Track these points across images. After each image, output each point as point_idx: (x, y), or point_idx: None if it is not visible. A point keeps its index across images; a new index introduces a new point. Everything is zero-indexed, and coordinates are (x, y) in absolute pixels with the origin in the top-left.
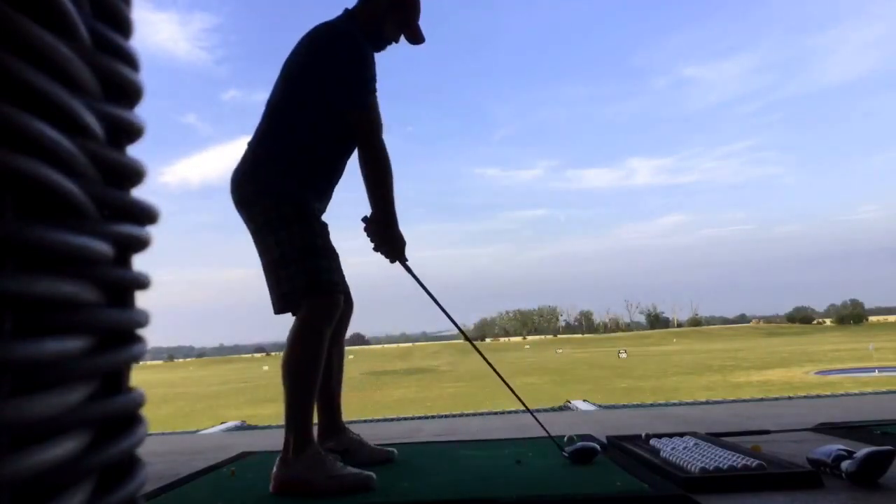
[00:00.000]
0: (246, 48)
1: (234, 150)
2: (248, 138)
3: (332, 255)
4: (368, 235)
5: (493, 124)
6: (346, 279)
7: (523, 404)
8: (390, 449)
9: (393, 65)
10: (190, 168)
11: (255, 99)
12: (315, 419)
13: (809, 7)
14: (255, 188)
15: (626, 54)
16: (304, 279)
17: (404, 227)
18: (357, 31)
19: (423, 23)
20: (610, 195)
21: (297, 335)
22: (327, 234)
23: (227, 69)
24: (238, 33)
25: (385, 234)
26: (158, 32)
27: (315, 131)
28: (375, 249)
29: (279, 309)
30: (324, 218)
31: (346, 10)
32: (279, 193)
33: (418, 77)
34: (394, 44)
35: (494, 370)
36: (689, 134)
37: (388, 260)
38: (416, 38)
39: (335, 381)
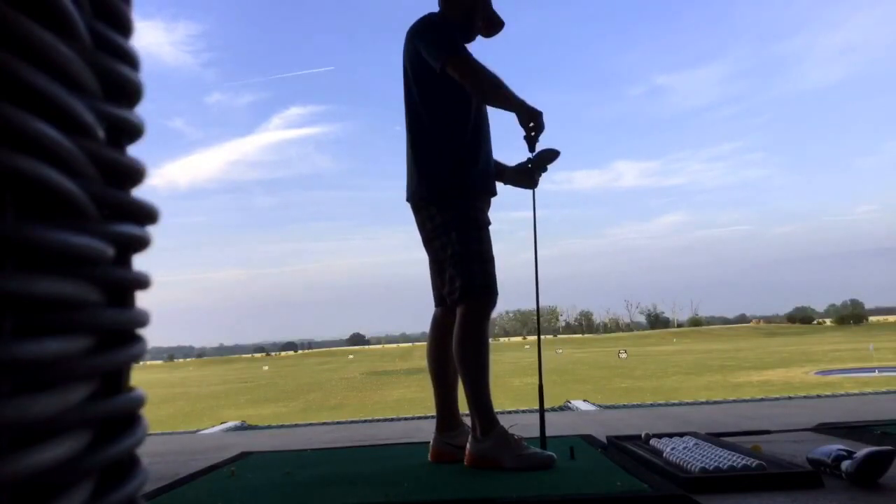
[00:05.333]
0: (231, 52)
1: (220, 153)
2: (236, 141)
3: (490, 260)
4: (531, 138)
5: None
6: (332, 279)
7: None
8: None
9: (378, 71)
10: (177, 170)
11: (241, 102)
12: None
13: (773, 16)
14: (420, 195)
15: (597, 65)
16: (462, 282)
17: (399, 228)
18: (439, 17)
19: (398, 31)
20: (603, 196)
21: (461, 333)
22: (487, 238)
23: (212, 72)
24: (223, 38)
25: (528, 119)
26: (143, 37)
27: (447, 109)
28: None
29: (440, 304)
30: (321, 216)
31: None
32: (445, 197)
33: (397, 79)
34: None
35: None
36: (673, 138)
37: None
38: (495, 23)
39: (452, 378)
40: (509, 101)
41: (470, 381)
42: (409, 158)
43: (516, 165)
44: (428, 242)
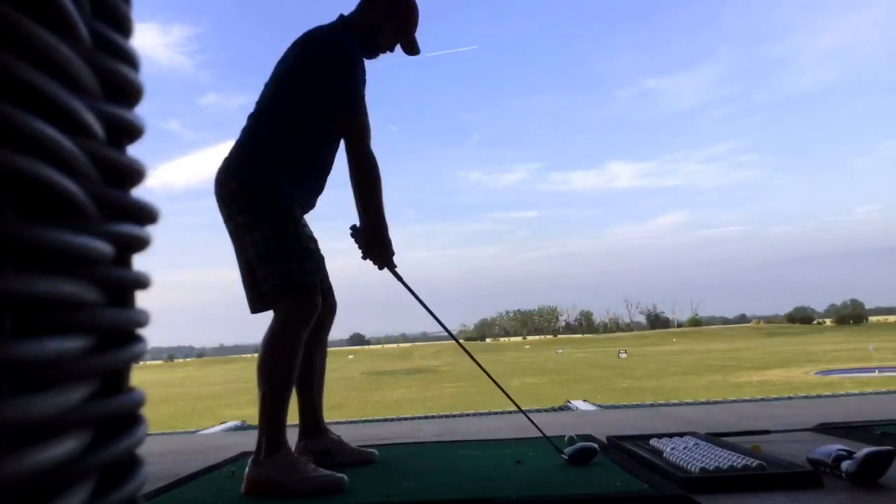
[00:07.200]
0: (225, 53)
1: (216, 154)
2: (230, 141)
3: (310, 257)
4: (358, 244)
5: (467, 129)
6: (332, 280)
7: (517, 406)
8: (371, 450)
9: (373, 70)
10: (173, 172)
11: (235, 103)
12: (294, 420)
13: (761, 20)
14: (237, 186)
15: (586, 67)
16: (281, 280)
17: (397, 228)
18: (349, 39)
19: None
20: (600, 197)
21: (273, 337)
22: (307, 235)
23: (207, 74)
24: (218, 40)
25: (375, 242)
26: (138, 39)
27: (301, 135)
28: (364, 258)
29: (256, 308)
30: (319, 217)
31: (341, 17)
32: (259, 192)
33: (392, 80)
34: (389, 52)
35: (486, 372)
36: (666, 140)
37: (377, 268)
38: (413, 49)
39: (317, 383)
40: (378, 205)
41: (271, 395)
42: (242, 144)
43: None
44: (238, 238)
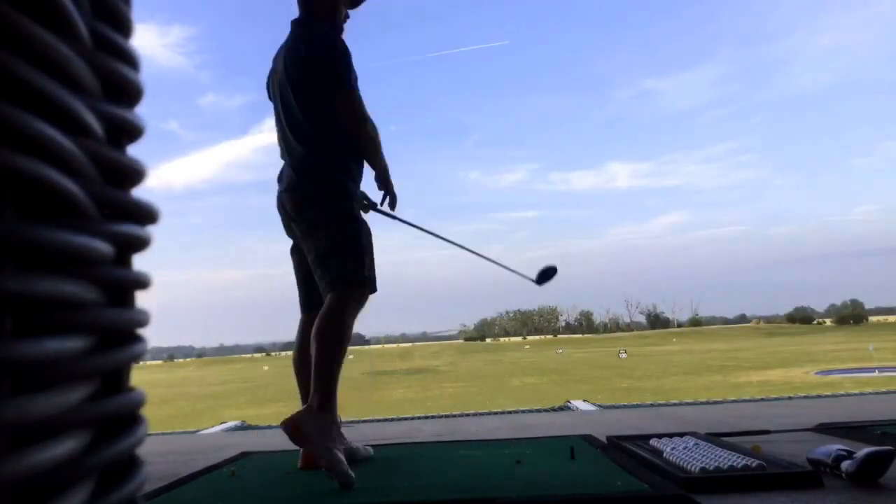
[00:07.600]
0: (224, 54)
1: (215, 154)
2: (230, 141)
3: (370, 252)
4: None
5: (466, 129)
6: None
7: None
8: (368, 447)
9: (371, 72)
10: (172, 172)
11: (234, 103)
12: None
13: (758, 21)
14: (312, 191)
15: (585, 68)
16: (347, 269)
17: (398, 228)
18: (327, 27)
19: (397, 37)
20: (600, 197)
21: (333, 314)
22: (369, 232)
23: (206, 74)
24: (217, 40)
25: (389, 185)
26: (137, 40)
27: (334, 124)
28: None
29: (308, 308)
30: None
31: (298, 20)
32: (334, 193)
33: (392, 81)
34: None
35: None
36: (665, 140)
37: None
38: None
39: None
40: (379, 155)
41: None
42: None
43: None
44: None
